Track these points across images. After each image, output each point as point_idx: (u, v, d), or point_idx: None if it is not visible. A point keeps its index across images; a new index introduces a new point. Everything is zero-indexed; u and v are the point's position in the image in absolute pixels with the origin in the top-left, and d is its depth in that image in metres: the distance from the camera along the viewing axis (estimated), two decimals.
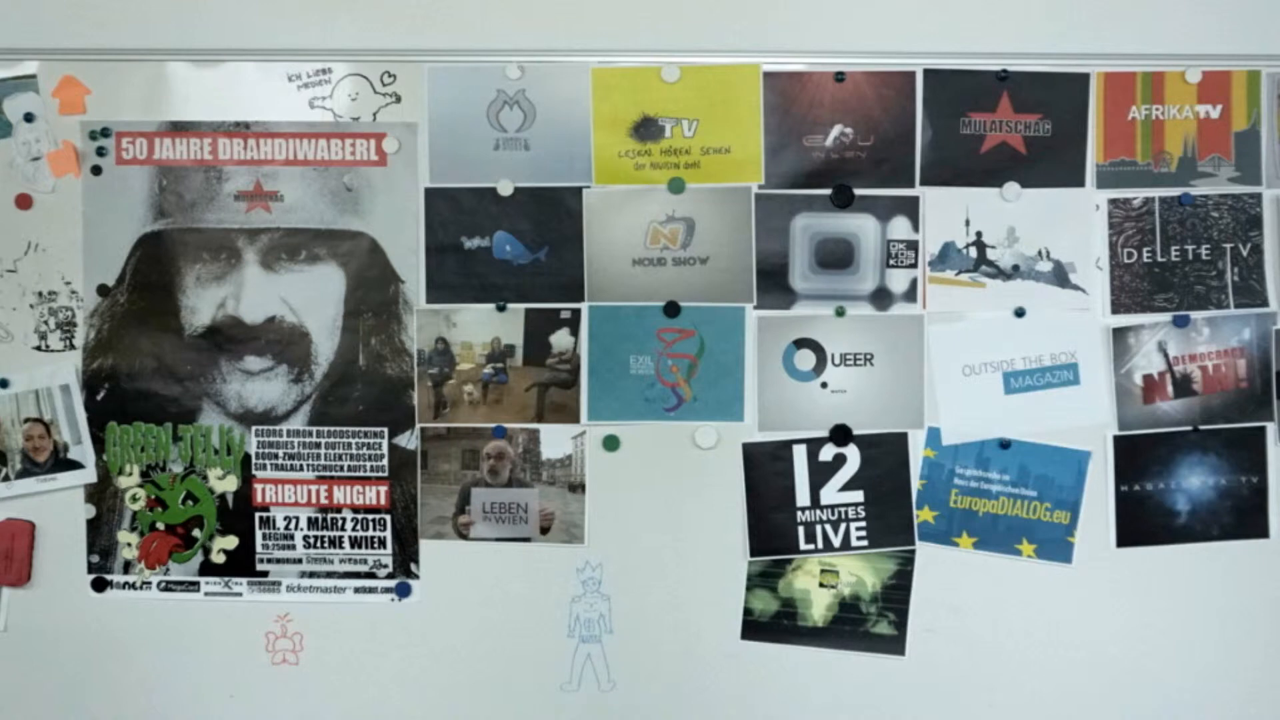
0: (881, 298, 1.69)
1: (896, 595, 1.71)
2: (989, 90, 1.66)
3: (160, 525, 1.73)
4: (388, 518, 1.72)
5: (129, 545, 1.73)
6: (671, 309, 1.68)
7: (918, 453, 1.70)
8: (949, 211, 1.68)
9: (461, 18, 1.68)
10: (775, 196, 1.67)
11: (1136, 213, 1.68)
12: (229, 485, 1.72)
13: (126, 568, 1.73)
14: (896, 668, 1.71)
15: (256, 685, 1.73)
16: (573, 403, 1.69)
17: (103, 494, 1.72)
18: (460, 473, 1.71)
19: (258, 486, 1.72)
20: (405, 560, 1.72)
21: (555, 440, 1.70)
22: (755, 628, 1.71)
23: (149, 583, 1.73)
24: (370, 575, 1.73)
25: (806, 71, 1.66)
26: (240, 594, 1.73)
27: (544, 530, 1.71)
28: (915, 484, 1.70)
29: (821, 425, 1.70)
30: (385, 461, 1.71)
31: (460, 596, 1.72)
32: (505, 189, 1.67)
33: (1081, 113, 1.67)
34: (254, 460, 1.72)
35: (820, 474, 1.70)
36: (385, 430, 1.71)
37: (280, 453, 1.72)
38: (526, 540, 1.71)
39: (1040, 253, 1.68)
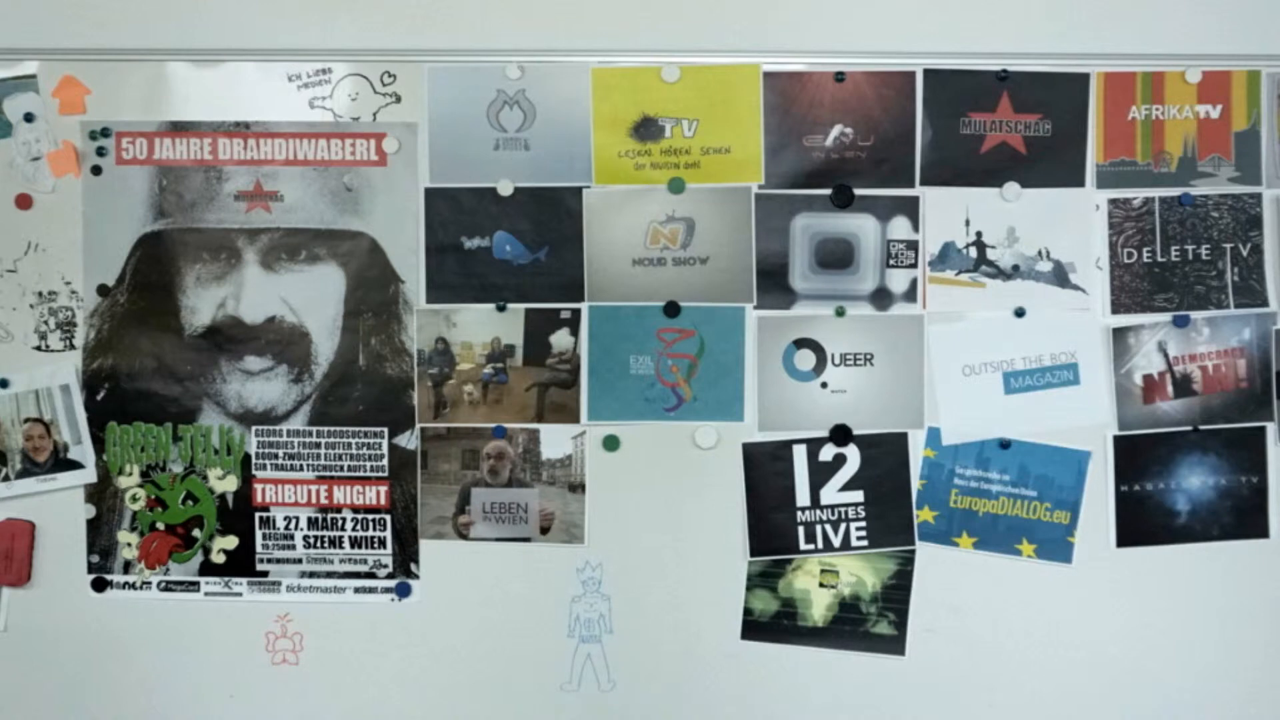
0: (881, 298, 1.69)
1: (896, 595, 1.71)
2: (989, 90, 1.66)
3: (160, 525, 1.73)
4: (388, 518, 1.72)
5: (129, 545, 1.73)
6: (671, 309, 1.68)
7: (918, 453, 1.70)
8: (949, 211, 1.68)
9: (461, 18, 1.68)
10: (775, 196, 1.67)
11: (1136, 213, 1.68)
12: (229, 485, 1.72)
13: (126, 568, 1.73)
14: (896, 668, 1.71)
15: (256, 685, 1.73)
16: (573, 403, 1.69)
17: (103, 494, 1.72)
18: (460, 473, 1.71)
19: (258, 486, 1.72)
20: (405, 560, 1.72)
21: (555, 440, 1.70)
22: (755, 628, 1.71)
23: (149, 583, 1.73)
24: (370, 575, 1.73)
25: (806, 71, 1.66)
26: (240, 594, 1.73)
27: (544, 530, 1.71)
28: (915, 484, 1.70)
29: (821, 425, 1.70)
30: (385, 461, 1.71)
31: (460, 596, 1.72)
32: (505, 189, 1.67)
33: (1081, 113, 1.67)
34: (254, 460, 1.72)
35: (820, 474, 1.70)
36: (385, 430, 1.71)
37: (280, 453, 1.72)
38: (526, 540, 1.71)
39: (1040, 253, 1.68)
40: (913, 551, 1.71)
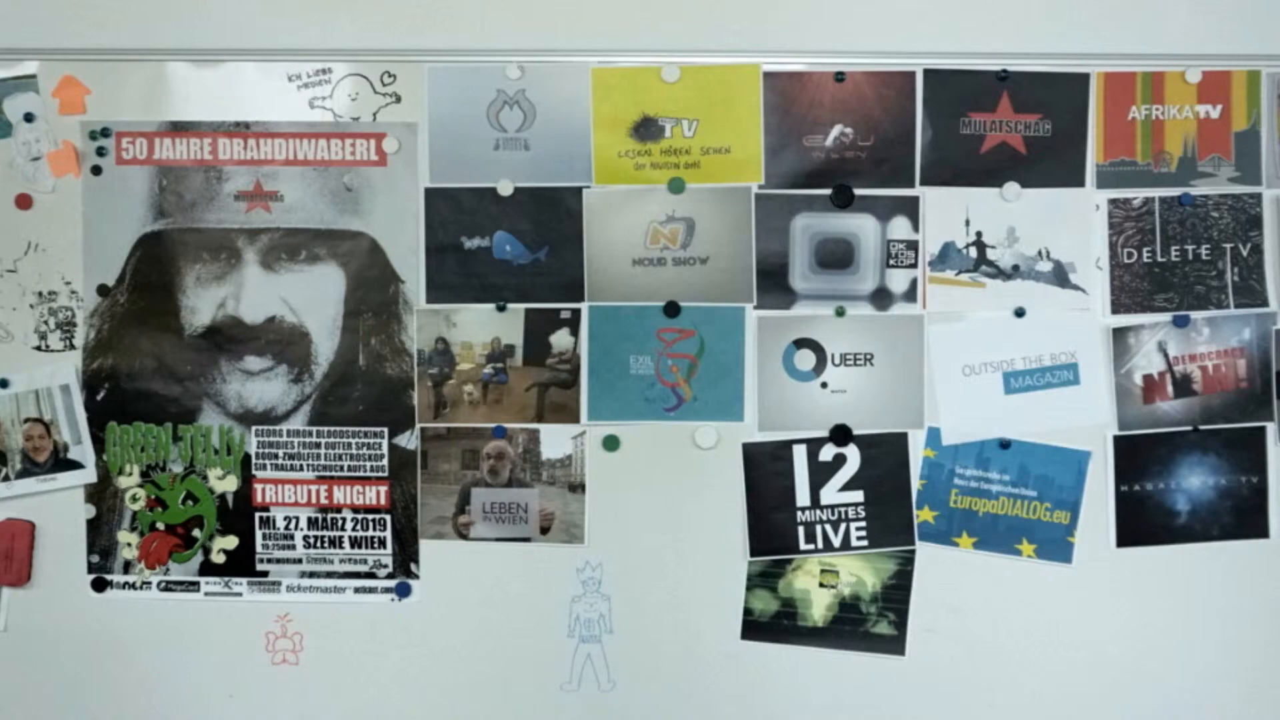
0: (881, 298, 1.69)
1: (896, 595, 1.71)
2: (989, 90, 1.66)
3: (160, 525, 1.73)
4: (388, 518, 1.72)
5: (129, 545, 1.73)
6: (671, 309, 1.68)
7: (918, 453, 1.70)
8: (949, 211, 1.68)
9: (461, 18, 1.68)
10: (775, 196, 1.67)
11: (1136, 213, 1.68)
12: (229, 485, 1.72)
13: (126, 568, 1.73)
14: (896, 668, 1.71)
15: (256, 685, 1.73)
16: (573, 403, 1.69)
17: (103, 494, 1.72)
18: (460, 473, 1.71)
19: (258, 486, 1.72)
20: (405, 560, 1.72)
21: (555, 440, 1.70)
22: (755, 628, 1.71)
23: (149, 583, 1.73)
24: (370, 575, 1.73)
25: (806, 71, 1.66)
26: (240, 594, 1.73)
27: (544, 530, 1.71)
28: (915, 484, 1.70)
29: (821, 425, 1.70)
30: (385, 461, 1.71)
31: (460, 596, 1.72)
32: (505, 189, 1.67)
33: (1081, 113, 1.67)
34: (254, 460, 1.72)
35: (820, 474, 1.70)
36: (385, 430, 1.71)
37: (280, 453, 1.72)
38: (526, 540, 1.71)
39: (1040, 253, 1.68)
40: (913, 551, 1.71)
